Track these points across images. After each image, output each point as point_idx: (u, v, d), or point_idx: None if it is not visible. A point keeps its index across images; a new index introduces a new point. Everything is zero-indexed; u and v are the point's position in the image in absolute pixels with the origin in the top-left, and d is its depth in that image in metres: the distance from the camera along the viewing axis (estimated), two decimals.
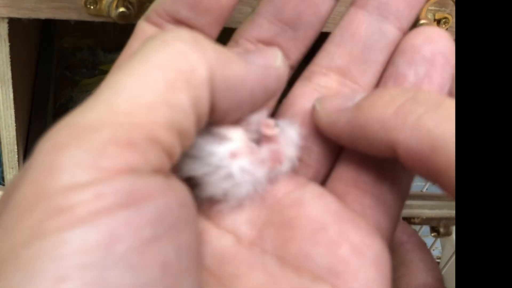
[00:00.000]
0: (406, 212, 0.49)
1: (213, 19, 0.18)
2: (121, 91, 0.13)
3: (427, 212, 0.47)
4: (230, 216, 0.18)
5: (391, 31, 0.19)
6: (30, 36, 0.43)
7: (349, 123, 0.17)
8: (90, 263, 0.11)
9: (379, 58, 0.19)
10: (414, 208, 0.48)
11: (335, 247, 0.16)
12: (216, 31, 0.19)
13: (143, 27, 0.19)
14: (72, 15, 0.30)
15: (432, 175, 0.15)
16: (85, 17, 0.30)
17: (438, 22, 0.34)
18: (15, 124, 0.33)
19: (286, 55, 0.20)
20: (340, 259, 0.16)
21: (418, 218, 0.60)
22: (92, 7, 0.30)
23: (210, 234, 0.17)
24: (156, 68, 0.14)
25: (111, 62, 0.59)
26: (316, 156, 0.19)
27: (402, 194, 0.18)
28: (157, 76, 0.14)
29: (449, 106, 0.15)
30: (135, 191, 0.12)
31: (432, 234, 0.64)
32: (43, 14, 0.29)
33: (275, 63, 0.17)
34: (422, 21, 0.33)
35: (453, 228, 0.51)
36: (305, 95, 0.20)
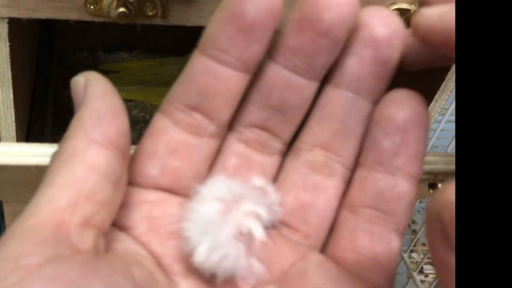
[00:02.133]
0: None
1: (223, 101, 0.20)
2: (33, 203, 0.16)
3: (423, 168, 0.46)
4: None
5: (365, 105, 0.21)
6: (30, 36, 0.43)
7: None
8: None
9: (357, 131, 0.21)
10: None
11: None
12: (227, 113, 0.20)
13: (154, 121, 0.20)
14: (72, 15, 0.30)
15: None
16: (85, 17, 0.30)
17: None
18: (15, 124, 0.33)
19: (277, 135, 0.21)
20: None
21: None
22: (92, 7, 0.30)
23: None
24: (62, 186, 0.16)
25: (111, 62, 0.59)
26: (313, 227, 0.21)
27: (394, 254, 0.20)
28: (61, 192, 0.16)
29: None
30: (56, 278, 0.14)
31: (431, 191, 0.63)
32: (43, 14, 0.29)
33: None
34: None
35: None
36: (295, 171, 0.21)
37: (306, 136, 0.22)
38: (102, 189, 0.17)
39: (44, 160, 0.24)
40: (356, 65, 0.20)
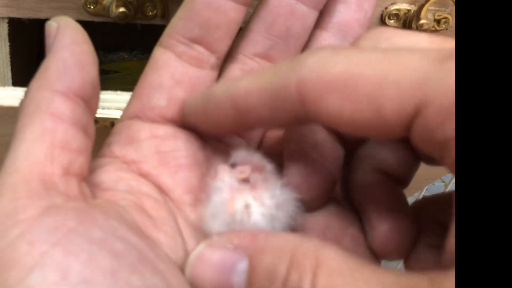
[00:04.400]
0: None
1: (223, 33, 0.20)
2: (10, 159, 0.16)
3: None
4: None
5: None
6: (30, 36, 0.43)
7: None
8: None
9: None
10: None
11: (339, 239, 0.20)
12: (226, 44, 0.21)
13: (155, 53, 0.21)
14: (72, 15, 0.30)
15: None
16: (85, 17, 0.30)
17: (438, 22, 0.34)
18: None
19: None
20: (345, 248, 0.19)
21: None
22: (92, 7, 0.30)
23: None
24: (34, 140, 0.16)
25: (111, 62, 0.59)
26: None
27: None
28: (36, 146, 0.16)
29: None
30: (57, 228, 0.15)
31: None
32: (43, 14, 0.29)
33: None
34: (422, 21, 0.33)
35: None
36: None
37: None
38: (74, 138, 0.17)
39: None
40: (344, 11, 0.22)
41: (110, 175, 0.19)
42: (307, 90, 0.16)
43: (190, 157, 0.21)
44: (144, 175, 0.20)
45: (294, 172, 0.20)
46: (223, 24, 0.20)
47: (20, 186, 0.15)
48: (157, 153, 0.20)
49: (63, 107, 0.17)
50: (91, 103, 0.18)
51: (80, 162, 0.17)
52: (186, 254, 0.18)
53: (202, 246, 0.17)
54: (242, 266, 0.16)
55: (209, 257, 0.17)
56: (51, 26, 0.18)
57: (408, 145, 0.20)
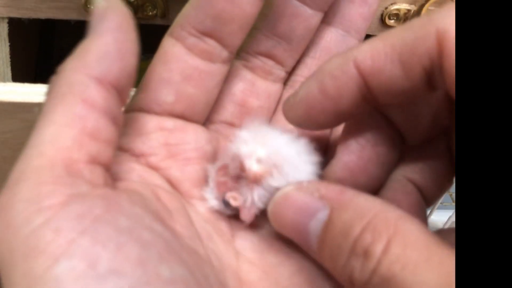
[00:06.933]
0: None
1: (237, 27, 0.20)
2: (35, 142, 0.15)
3: None
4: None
5: (353, 42, 0.23)
6: (30, 36, 0.43)
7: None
8: (83, 285, 0.13)
9: None
10: None
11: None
12: (240, 38, 0.20)
13: (165, 44, 0.20)
14: (72, 15, 0.30)
15: None
16: (85, 17, 0.30)
17: None
18: None
19: (281, 64, 0.22)
20: None
21: None
22: (92, 7, 0.30)
23: (250, 233, 0.20)
24: (63, 125, 0.16)
25: None
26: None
27: None
28: (64, 131, 0.16)
29: None
30: (83, 215, 0.14)
31: None
32: (43, 14, 0.29)
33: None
34: None
35: None
36: None
37: (302, 70, 0.23)
38: (104, 128, 0.16)
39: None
40: (348, 5, 0.22)
41: (121, 166, 0.19)
42: (447, 39, 0.16)
43: (199, 150, 0.20)
44: (153, 169, 0.20)
45: (348, 152, 0.19)
46: (238, 18, 0.19)
47: (45, 171, 0.15)
48: (165, 145, 0.20)
49: (96, 94, 0.16)
50: (123, 94, 0.17)
51: (107, 153, 0.17)
52: (202, 245, 0.18)
53: (290, 188, 0.18)
54: (322, 215, 0.17)
55: (294, 199, 0.17)
56: (100, 5, 0.17)
57: (447, 165, 0.20)
